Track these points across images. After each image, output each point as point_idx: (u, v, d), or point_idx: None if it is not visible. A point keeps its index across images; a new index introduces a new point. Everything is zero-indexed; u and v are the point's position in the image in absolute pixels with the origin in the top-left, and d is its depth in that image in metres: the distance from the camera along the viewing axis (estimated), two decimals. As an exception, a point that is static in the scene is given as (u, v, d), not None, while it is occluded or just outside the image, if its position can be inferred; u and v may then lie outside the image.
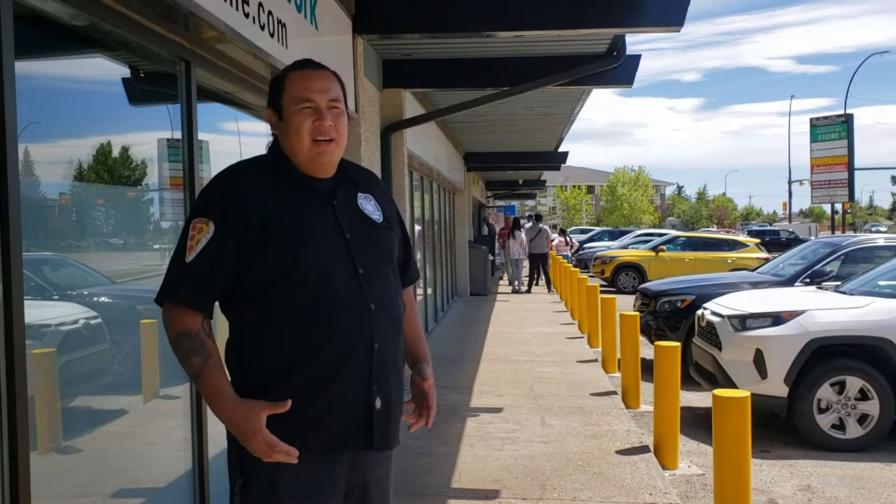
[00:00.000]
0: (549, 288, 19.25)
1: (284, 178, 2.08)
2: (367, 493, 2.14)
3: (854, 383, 6.28)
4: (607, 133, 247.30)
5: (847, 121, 38.02)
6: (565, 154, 18.55)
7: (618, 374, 8.24)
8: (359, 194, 2.18)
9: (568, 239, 23.14)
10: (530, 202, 53.14)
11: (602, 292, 10.90)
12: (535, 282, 19.86)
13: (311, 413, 1.98)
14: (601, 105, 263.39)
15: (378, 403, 2.06)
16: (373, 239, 2.13)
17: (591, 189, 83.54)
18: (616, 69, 7.33)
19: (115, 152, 3.09)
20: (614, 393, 7.57)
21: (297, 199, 2.06)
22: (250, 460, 1.99)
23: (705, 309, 7.58)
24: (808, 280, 8.96)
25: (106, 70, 3.12)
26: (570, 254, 22.29)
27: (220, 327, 2.15)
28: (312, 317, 1.99)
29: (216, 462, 3.51)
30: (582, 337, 11.29)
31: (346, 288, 2.02)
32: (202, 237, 1.98)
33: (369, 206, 2.18)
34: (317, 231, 2.04)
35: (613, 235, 33.28)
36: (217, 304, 2.10)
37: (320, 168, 2.10)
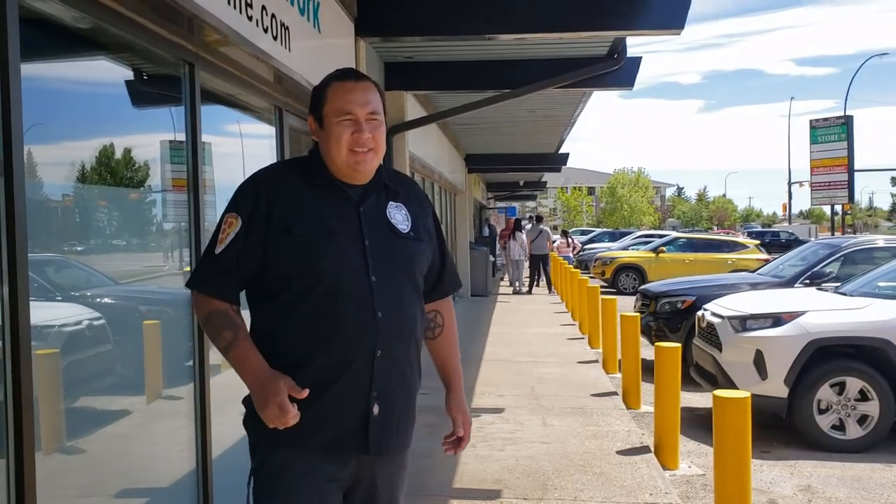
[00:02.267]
0: (549, 289, 19.26)
1: (317, 181, 2.15)
2: (374, 489, 2.20)
3: (854, 384, 6.29)
4: (608, 135, 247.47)
5: (847, 122, 38.02)
6: (566, 156, 18.58)
7: (618, 375, 8.25)
8: (390, 203, 2.22)
9: (570, 240, 23.14)
10: (531, 203, 53.15)
11: (602, 293, 10.91)
12: (535, 283, 19.88)
13: (309, 413, 2.02)
14: (602, 107, 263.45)
15: (376, 410, 2.10)
16: (394, 248, 2.17)
17: (591, 190, 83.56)
18: (617, 71, 7.36)
19: (119, 154, 3.10)
20: (615, 393, 7.58)
21: (324, 203, 2.13)
22: (262, 449, 2.10)
23: (705, 310, 7.59)
24: (807, 281, 8.97)
25: (110, 72, 3.14)
26: (571, 255, 22.29)
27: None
28: (320, 319, 2.05)
29: (220, 462, 3.52)
30: (583, 338, 11.30)
31: (356, 294, 2.07)
32: (231, 231, 2.08)
33: (399, 215, 2.22)
34: (337, 236, 2.09)
35: (614, 237, 33.31)
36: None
37: (357, 176, 2.16)
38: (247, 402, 2.12)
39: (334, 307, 2.05)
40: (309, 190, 2.14)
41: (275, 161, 4.49)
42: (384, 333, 2.09)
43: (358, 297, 2.07)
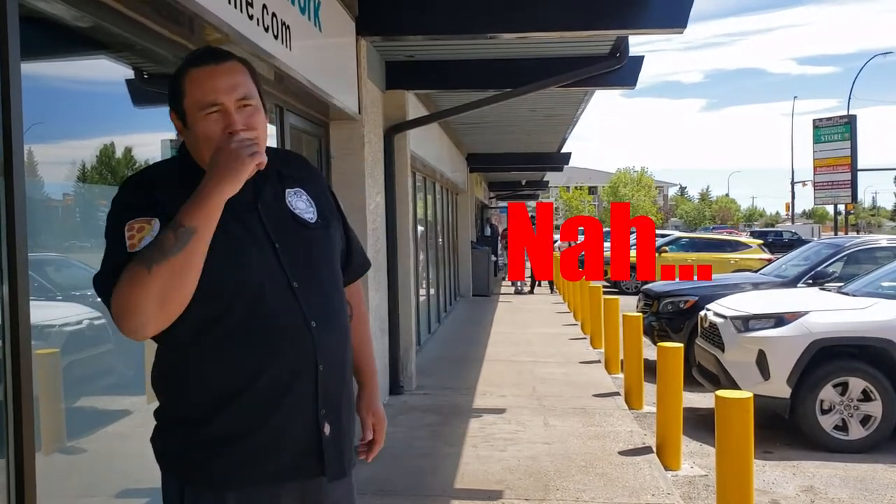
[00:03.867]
0: (551, 289, 19.25)
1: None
2: None
3: (857, 384, 6.27)
4: (610, 134, 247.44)
5: (850, 122, 37.99)
6: (568, 155, 18.54)
7: (620, 375, 8.23)
8: (287, 191, 1.89)
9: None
10: (533, 203, 53.12)
11: (605, 293, 10.90)
12: (537, 282, 19.87)
13: (252, 446, 1.76)
14: (604, 106, 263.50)
15: (327, 430, 1.83)
16: (307, 244, 1.86)
17: (593, 190, 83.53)
18: (619, 70, 7.34)
19: (119, 153, 3.10)
20: (617, 394, 7.57)
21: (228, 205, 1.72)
22: (191, 494, 1.80)
23: (708, 310, 7.58)
24: (810, 281, 8.95)
25: (110, 71, 3.14)
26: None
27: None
28: (245, 342, 1.74)
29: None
30: (585, 338, 11.29)
31: (282, 306, 1.77)
32: (145, 235, 1.66)
33: (300, 203, 1.90)
34: (241, 244, 1.76)
35: (616, 236, 33.25)
36: None
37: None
38: (162, 434, 1.84)
39: (258, 327, 1.74)
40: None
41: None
42: (323, 344, 1.80)
43: (285, 310, 1.77)
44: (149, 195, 1.74)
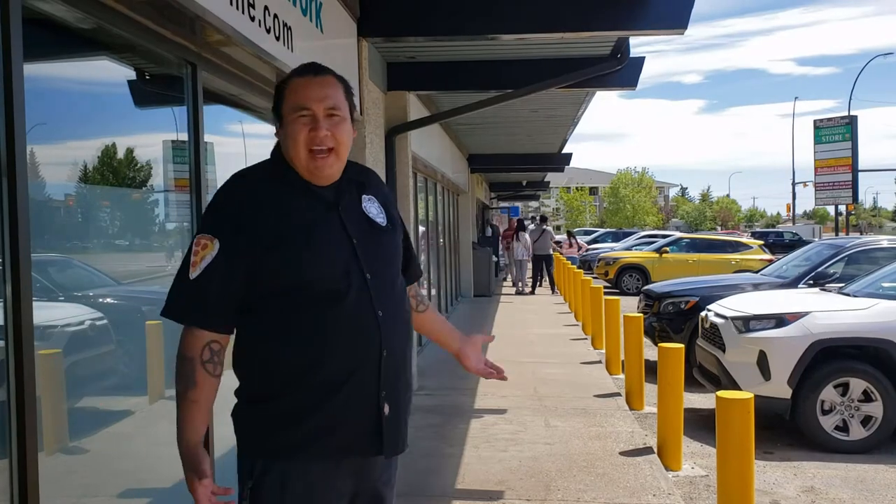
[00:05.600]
0: (553, 289, 19.25)
1: (288, 186, 2.05)
2: (378, 495, 2.14)
3: (858, 385, 6.27)
4: (611, 135, 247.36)
5: (851, 122, 37.99)
6: (569, 156, 18.55)
7: (621, 376, 8.23)
8: (363, 197, 2.15)
9: (573, 241, 23.09)
10: (534, 203, 53.12)
11: (606, 294, 10.90)
12: (538, 283, 19.86)
13: (316, 422, 1.97)
14: (605, 107, 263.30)
15: (387, 410, 2.04)
16: (379, 243, 2.11)
17: (594, 190, 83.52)
18: (620, 71, 7.35)
19: (121, 154, 3.11)
20: (618, 394, 7.57)
21: (302, 208, 2.02)
22: (261, 465, 2.00)
23: (709, 310, 7.58)
24: (811, 282, 8.95)
25: (112, 72, 3.14)
26: (576, 255, 22.25)
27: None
28: (320, 328, 1.96)
29: (222, 462, 3.52)
30: (586, 338, 11.29)
31: (354, 296, 1.99)
32: (206, 253, 1.96)
33: (373, 208, 2.15)
34: (323, 240, 2.00)
35: (617, 237, 33.26)
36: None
37: (320, 179, 2.06)
38: (239, 410, 2.06)
39: (333, 315, 1.97)
40: (286, 197, 2.03)
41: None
42: (387, 332, 2.03)
43: (357, 300, 1.99)
44: (228, 210, 2.00)
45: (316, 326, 1.96)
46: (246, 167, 2.17)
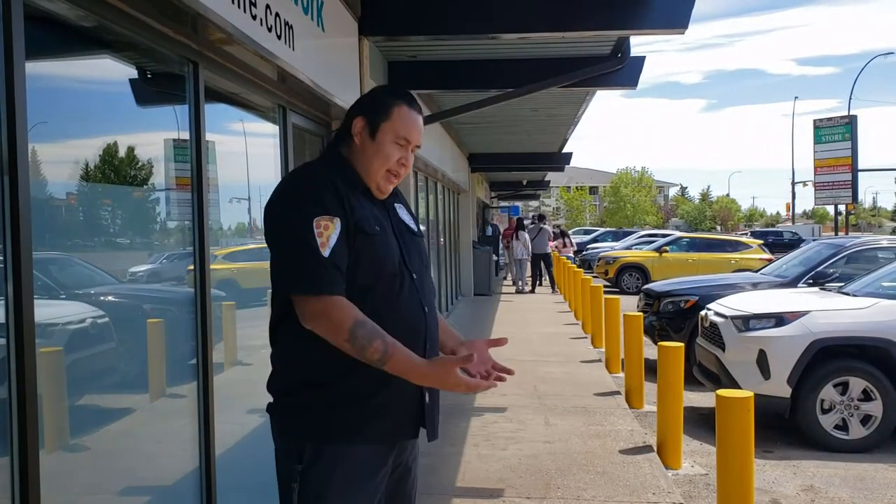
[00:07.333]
0: (553, 288, 19.26)
1: (357, 188, 2.23)
2: (407, 472, 2.35)
3: (857, 384, 6.28)
4: (611, 134, 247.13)
5: (851, 122, 37.99)
6: (569, 155, 18.55)
7: (621, 375, 8.25)
8: (397, 205, 2.38)
9: (567, 241, 23.08)
10: (534, 203, 53.13)
11: (606, 293, 10.91)
12: (538, 282, 19.87)
13: (371, 408, 2.13)
14: (604, 106, 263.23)
15: (427, 398, 2.24)
16: (417, 246, 2.36)
17: (594, 190, 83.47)
18: (620, 71, 7.35)
19: (123, 152, 3.10)
20: (618, 393, 7.58)
21: (371, 206, 2.24)
22: (311, 448, 2.13)
23: (709, 309, 7.59)
24: (811, 281, 8.97)
25: (114, 71, 3.14)
26: (572, 254, 22.25)
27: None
28: (383, 317, 2.11)
29: (223, 460, 3.53)
30: (586, 337, 11.31)
31: (409, 291, 2.21)
32: (331, 233, 2.09)
33: (406, 216, 2.39)
34: (388, 238, 2.22)
35: (617, 236, 33.26)
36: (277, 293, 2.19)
37: (379, 194, 2.28)
38: (279, 405, 2.18)
39: (396, 303, 2.17)
40: (359, 196, 2.22)
41: (277, 160, 4.49)
42: (431, 326, 2.26)
43: (411, 295, 2.22)
44: (335, 195, 2.13)
45: (378, 315, 2.10)
46: (308, 162, 2.33)
